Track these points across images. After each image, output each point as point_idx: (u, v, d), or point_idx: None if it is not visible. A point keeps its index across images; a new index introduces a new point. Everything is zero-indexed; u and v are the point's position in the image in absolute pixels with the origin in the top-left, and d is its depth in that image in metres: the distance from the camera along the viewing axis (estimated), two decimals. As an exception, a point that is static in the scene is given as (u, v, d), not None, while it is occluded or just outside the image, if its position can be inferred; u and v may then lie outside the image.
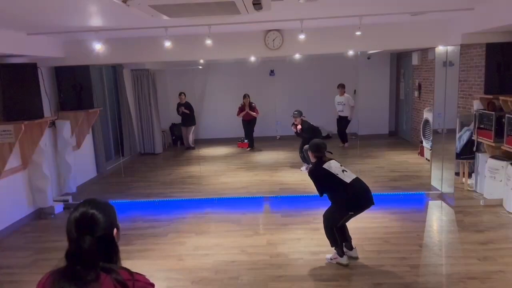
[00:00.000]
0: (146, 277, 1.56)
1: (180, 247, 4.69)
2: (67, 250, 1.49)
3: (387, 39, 5.78)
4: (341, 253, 4.10)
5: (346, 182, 3.93)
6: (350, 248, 4.21)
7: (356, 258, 4.19)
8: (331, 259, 4.15)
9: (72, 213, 1.53)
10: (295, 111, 7.75)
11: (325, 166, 4.02)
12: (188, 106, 10.08)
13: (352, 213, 4.04)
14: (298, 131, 7.71)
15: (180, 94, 10.06)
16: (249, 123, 9.88)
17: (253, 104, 9.73)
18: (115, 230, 1.57)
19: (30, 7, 3.60)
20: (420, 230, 4.99)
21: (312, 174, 4.10)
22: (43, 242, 5.02)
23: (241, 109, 9.77)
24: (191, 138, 10.38)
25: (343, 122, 9.38)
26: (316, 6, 3.98)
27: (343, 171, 4.01)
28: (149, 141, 10.05)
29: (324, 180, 4.02)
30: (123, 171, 8.09)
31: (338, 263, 4.08)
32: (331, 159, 4.13)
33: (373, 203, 4.05)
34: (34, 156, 5.72)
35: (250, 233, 5.03)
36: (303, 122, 7.71)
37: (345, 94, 9.31)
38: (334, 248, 4.13)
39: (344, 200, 3.99)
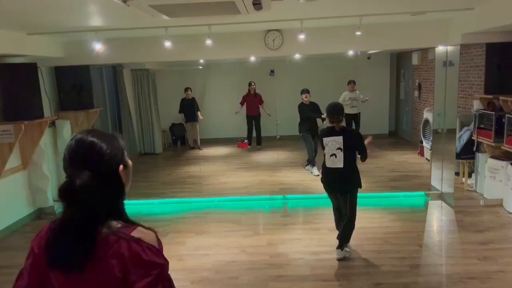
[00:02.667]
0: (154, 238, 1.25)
1: (180, 247, 4.68)
2: (60, 187, 1.20)
3: (387, 39, 5.78)
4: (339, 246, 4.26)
5: (325, 163, 4.14)
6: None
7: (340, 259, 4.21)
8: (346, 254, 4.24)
9: (69, 141, 1.24)
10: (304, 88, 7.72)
11: (324, 139, 4.08)
12: (194, 101, 10.04)
13: (326, 189, 4.24)
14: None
15: (186, 90, 10.02)
16: (254, 118, 9.72)
17: (259, 93, 9.62)
18: (121, 166, 1.25)
19: (30, 7, 3.60)
20: (420, 230, 4.99)
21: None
22: (43, 242, 5.01)
23: (245, 97, 9.64)
24: (197, 137, 10.30)
25: (356, 119, 9.16)
26: (316, 6, 3.98)
27: (333, 155, 4.03)
28: (149, 141, 10.04)
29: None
30: (123, 171, 8.08)
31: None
32: (339, 134, 4.03)
33: (340, 191, 4.17)
34: (34, 156, 5.72)
35: (250, 233, 5.02)
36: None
37: (356, 91, 9.14)
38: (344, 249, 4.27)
39: (322, 172, 4.28)
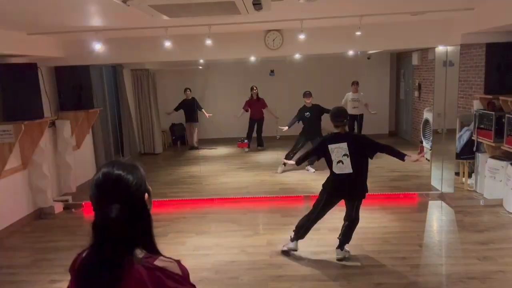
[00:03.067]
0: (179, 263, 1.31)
1: (180, 247, 4.68)
2: (93, 222, 1.23)
3: (387, 39, 5.78)
4: (293, 240, 4.31)
5: (333, 169, 4.06)
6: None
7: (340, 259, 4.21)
8: (283, 246, 4.35)
9: (94, 176, 1.28)
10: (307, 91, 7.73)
11: (330, 146, 4.00)
12: (194, 101, 10.03)
13: (325, 194, 4.13)
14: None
15: (185, 90, 10.01)
16: (258, 122, 9.67)
17: (262, 98, 9.58)
18: (146, 195, 1.30)
19: (30, 7, 3.60)
20: (420, 230, 4.99)
21: (321, 139, 4.27)
22: (43, 242, 5.02)
23: (249, 102, 9.60)
24: (195, 137, 10.32)
25: (358, 119, 9.16)
26: (316, 6, 3.98)
27: (339, 162, 3.98)
28: (149, 141, 10.05)
29: (317, 151, 4.22)
30: (123, 171, 8.08)
31: (289, 249, 4.31)
32: (345, 140, 3.99)
33: (350, 197, 4.12)
34: (34, 156, 5.72)
35: (250, 233, 5.02)
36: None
37: (360, 92, 9.14)
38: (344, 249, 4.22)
39: (329, 180, 4.17)
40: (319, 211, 4.18)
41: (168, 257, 1.31)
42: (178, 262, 1.32)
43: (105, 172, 1.26)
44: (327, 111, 7.43)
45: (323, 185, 4.23)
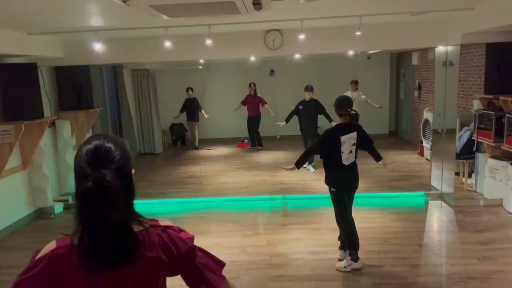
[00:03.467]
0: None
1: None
2: (81, 188, 1.18)
3: (387, 39, 5.78)
4: (356, 258, 3.97)
5: (342, 162, 3.90)
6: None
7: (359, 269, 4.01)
8: (345, 267, 3.97)
9: (84, 146, 1.27)
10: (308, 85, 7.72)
11: (342, 138, 3.86)
12: (195, 101, 10.04)
13: (344, 192, 3.98)
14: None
15: (187, 90, 10.01)
16: (253, 119, 9.69)
17: (259, 95, 9.59)
18: (133, 170, 1.33)
19: (30, 7, 3.60)
20: (420, 230, 4.99)
21: (325, 133, 4.04)
22: (43, 242, 4.97)
23: (247, 97, 9.61)
24: (196, 136, 10.33)
25: (357, 119, 9.13)
26: (316, 6, 3.98)
27: (350, 152, 3.90)
28: (149, 141, 10.05)
29: (324, 145, 3.98)
30: (123, 171, 8.08)
31: (353, 270, 3.94)
32: (355, 130, 3.92)
33: (355, 186, 4.07)
34: (34, 156, 5.72)
35: (250, 233, 5.03)
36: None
37: (359, 91, 9.13)
38: (347, 251, 4.00)
39: (332, 175, 4.01)
40: (348, 214, 4.00)
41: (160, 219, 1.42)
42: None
43: (97, 144, 1.26)
44: (322, 109, 7.46)
45: (334, 185, 3.99)
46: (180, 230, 1.44)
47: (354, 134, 3.93)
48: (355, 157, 3.98)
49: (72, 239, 1.25)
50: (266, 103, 9.55)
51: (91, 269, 1.22)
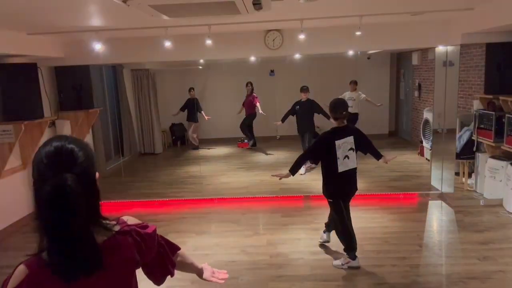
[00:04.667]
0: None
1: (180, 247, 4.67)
2: (40, 194, 1.11)
3: (387, 39, 5.78)
4: (353, 256, 3.99)
5: (338, 170, 3.84)
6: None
7: (358, 267, 4.03)
8: (342, 264, 4.01)
9: (43, 148, 1.18)
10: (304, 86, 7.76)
11: (337, 143, 3.81)
12: (195, 101, 10.03)
13: (340, 200, 3.97)
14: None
15: (190, 90, 10.00)
16: (247, 117, 9.68)
17: (254, 94, 9.58)
18: (97, 173, 1.26)
19: (30, 7, 3.60)
20: (420, 230, 4.99)
21: (320, 138, 4.00)
22: (43, 242, 5.01)
23: (246, 98, 9.62)
24: (194, 136, 10.32)
25: (352, 118, 9.17)
26: (316, 6, 3.98)
27: (346, 157, 3.84)
28: (149, 141, 10.05)
29: (318, 150, 3.96)
30: (123, 171, 8.09)
31: (350, 268, 3.98)
32: (351, 134, 3.89)
33: (353, 192, 4.06)
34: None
35: (250, 233, 5.02)
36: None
37: (359, 91, 9.15)
38: (345, 251, 4.04)
39: (329, 183, 3.98)
40: (347, 218, 4.01)
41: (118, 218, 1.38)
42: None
43: (57, 146, 1.18)
44: (319, 109, 7.46)
45: (331, 196, 3.97)
46: (145, 226, 1.45)
47: (350, 139, 3.87)
48: (354, 163, 3.91)
49: (40, 256, 1.18)
50: (258, 102, 9.51)
51: (69, 279, 1.17)
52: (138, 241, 1.35)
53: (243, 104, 9.73)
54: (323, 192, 4.06)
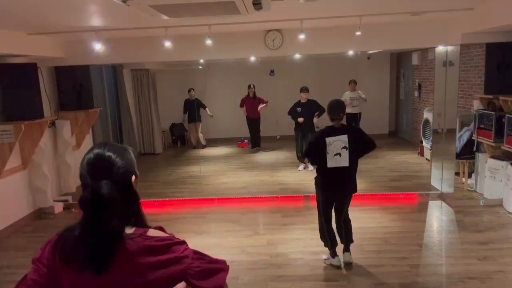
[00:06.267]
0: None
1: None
2: (81, 197, 1.29)
3: (387, 39, 5.78)
4: (332, 254, 4.07)
5: (327, 164, 3.88)
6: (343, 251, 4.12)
7: (349, 263, 4.06)
8: (325, 259, 4.14)
9: (86, 155, 1.35)
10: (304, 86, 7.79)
11: (327, 140, 3.85)
12: (195, 101, 10.04)
13: (326, 195, 4.01)
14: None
15: (189, 91, 10.00)
16: (254, 122, 9.63)
17: (259, 96, 9.52)
18: (133, 177, 1.39)
19: (30, 7, 3.60)
20: (420, 230, 4.99)
21: (313, 137, 4.05)
22: (43, 242, 4.99)
23: (244, 100, 9.55)
24: (201, 135, 10.35)
25: (357, 118, 9.18)
26: (316, 6, 3.98)
27: (337, 154, 3.85)
28: (149, 141, 10.05)
29: (314, 147, 3.97)
30: (123, 171, 8.08)
31: (330, 265, 4.06)
32: (345, 133, 3.88)
33: (345, 192, 4.04)
34: (34, 156, 5.72)
35: (250, 233, 5.03)
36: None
37: (358, 91, 9.17)
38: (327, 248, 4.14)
39: (319, 175, 4.03)
40: (325, 214, 4.05)
41: (154, 227, 1.39)
42: (163, 228, 1.42)
43: (97, 153, 1.33)
44: (321, 109, 7.46)
45: (316, 184, 4.08)
46: (162, 239, 1.38)
47: (343, 137, 3.86)
48: (350, 162, 3.88)
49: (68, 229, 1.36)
50: (264, 103, 9.46)
51: (77, 271, 1.29)
52: (138, 251, 1.30)
53: (241, 106, 9.67)
54: (314, 183, 4.14)
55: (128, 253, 1.28)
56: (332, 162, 3.87)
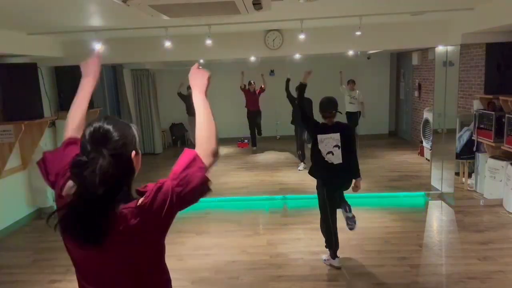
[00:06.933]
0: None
1: (180, 247, 4.68)
2: (74, 160, 1.32)
3: (387, 39, 5.77)
4: (333, 255, 4.05)
5: (323, 158, 3.85)
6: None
7: (338, 268, 4.03)
8: (325, 260, 4.13)
9: (87, 127, 1.38)
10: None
11: (319, 137, 3.83)
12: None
13: (328, 190, 3.95)
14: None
15: (188, 88, 9.95)
16: (254, 114, 9.61)
17: (257, 90, 9.55)
18: (133, 152, 1.41)
19: (30, 7, 3.60)
20: (420, 230, 4.99)
21: (311, 123, 4.00)
22: (43, 242, 5.02)
23: (246, 91, 9.59)
24: None
25: (357, 117, 9.18)
26: (316, 6, 3.98)
27: (329, 152, 3.83)
28: (149, 141, 10.05)
29: (312, 125, 3.97)
30: (123, 171, 8.08)
31: (330, 265, 4.06)
32: (337, 131, 3.84)
33: (341, 185, 4.01)
34: (34, 156, 5.71)
35: (250, 233, 5.03)
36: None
37: (356, 90, 9.18)
38: (326, 247, 4.12)
39: (316, 168, 4.01)
40: (331, 213, 3.97)
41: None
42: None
43: (96, 125, 1.36)
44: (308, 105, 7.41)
45: (315, 175, 4.01)
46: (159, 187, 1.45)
47: (335, 136, 3.82)
48: (345, 159, 3.85)
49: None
50: (263, 90, 9.48)
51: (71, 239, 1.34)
52: (133, 212, 1.33)
53: (242, 89, 9.66)
54: (309, 172, 4.10)
55: (122, 224, 1.29)
56: (326, 159, 3.88)
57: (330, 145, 3.83)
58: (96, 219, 1.28)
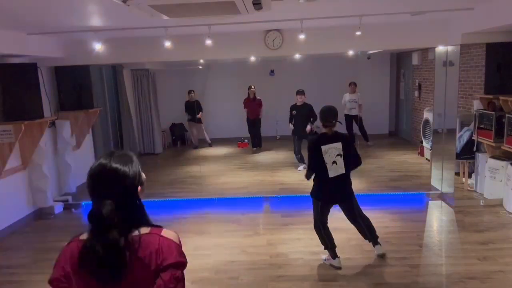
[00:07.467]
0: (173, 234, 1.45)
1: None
2: (90, 211, 1.37)
3: (387, 39, 5.78)
4: (333, 255, 4.07)
5: (327, 174, 3.87)
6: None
7: (383, 254, 4.15)
8: (325, 260, 4.14)
9: (93, 165, 1.39)
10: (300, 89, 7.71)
11: (323, 148, 3.85)
12: (198, 103, 10.08)
13: (320, 202, 4.01)
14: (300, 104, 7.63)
15: (189, 92, 10.02)
16: (253, 122, 9.62)
17: (259, 98, 9.54)
18: (139, 188, 1.43)
19: (30, 7, 3.60)
20: (420, 230, 4.99)
21: (308, 145, 3.99)
22: (43, 242, 5.02)
23: (245, 101, 9.58)
24: (206, 136, 10.38)
25: (356, 120, 9.21)
26: (316, 6, 3.98)
27: (334, 162, 3.86)
28: (149, 141, 10.05)
29: (313, 156, 3.93)
30: (123, 171, 8.07)
31: (331, 265, 4.07)
32: (339, 140, 3.88)
33: (339, 202, 4.07)
34: (34, 156, 5.72)
35: (250, 233, 5.03)
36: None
37: (358, 93, 9.20)
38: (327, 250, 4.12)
39: (316, 184, 4.03)
40: (322, 220, 4.06)
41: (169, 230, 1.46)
42: (177, 234, 1.47)
43: (102, 164, 1.37)
44: (314, 116, 7.39)
45: (313, 195, 4.08)
46: (178, 247, 1.45)
47: (338, 145, 3.87)
48: (346, 169, 3.91)
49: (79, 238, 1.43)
50: (261, 107, 9.46)
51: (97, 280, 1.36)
52: (157, 248, 1.37)
53: (245, 107, 9.65)
54: (310, 193, 4.14)
55: (139, 258, 1.34)
56: (333, 171, 3.89)
57: (333, 154, 3.87)
58: (114, 257, 1.34)
